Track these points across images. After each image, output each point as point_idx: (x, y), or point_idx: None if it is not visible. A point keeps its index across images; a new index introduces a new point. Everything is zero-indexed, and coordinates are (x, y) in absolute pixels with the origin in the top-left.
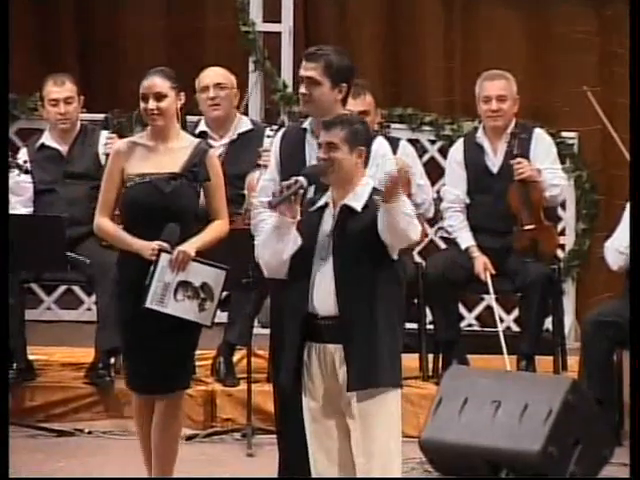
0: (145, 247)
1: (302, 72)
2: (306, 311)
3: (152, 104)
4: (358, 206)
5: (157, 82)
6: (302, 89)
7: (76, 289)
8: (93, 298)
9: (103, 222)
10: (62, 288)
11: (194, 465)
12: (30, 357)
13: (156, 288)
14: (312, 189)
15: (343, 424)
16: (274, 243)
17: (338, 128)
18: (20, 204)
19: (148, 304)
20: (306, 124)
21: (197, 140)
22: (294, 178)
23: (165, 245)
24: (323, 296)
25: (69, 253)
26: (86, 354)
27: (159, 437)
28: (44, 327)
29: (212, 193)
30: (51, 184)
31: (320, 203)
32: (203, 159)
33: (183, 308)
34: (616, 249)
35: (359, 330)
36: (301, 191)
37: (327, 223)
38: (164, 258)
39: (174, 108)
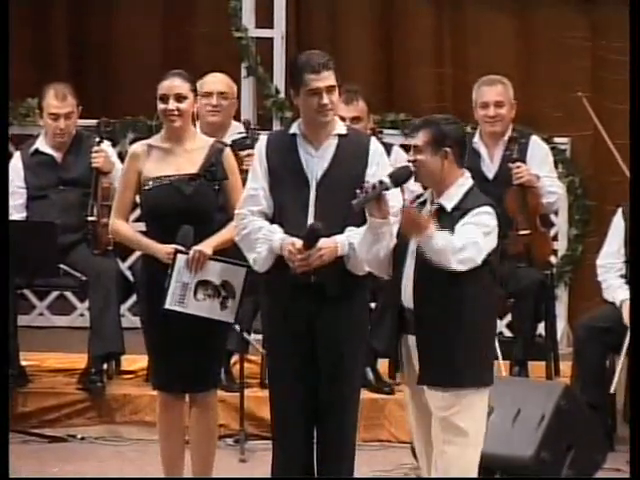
0: (161, 250)
1: (322, 83)
2: (399, 305)
3: (172, 105)
4: (449, 206)
5: (177, 83)
6: (325, 100)
7: (69, 295)
8: (86, 304)
9: (119, 224)
10: (54, 294)
11: (187, 470)
12: (22, 363)
13: (175, 289)
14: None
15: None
16: (370, 244)
17: (422, 131)
18: (13, 209)
19: (168, 305)
20: (294, 129)
21: (212, 140)
22: (379, 179)
23: (180, 247)
24: (408, 288)
25: (63, 266)
26: (79, 360)
27: (199, 440)
28: (36, 333)
29: (230, 192)
30: (45, 190)
31: (420, 200)
32: (220, 158)
33: (204, 307)
34: (604, 281)
35: (431, 325)
36: (385, 192)
37: None
38: (181, 259)
39: (192, 110)
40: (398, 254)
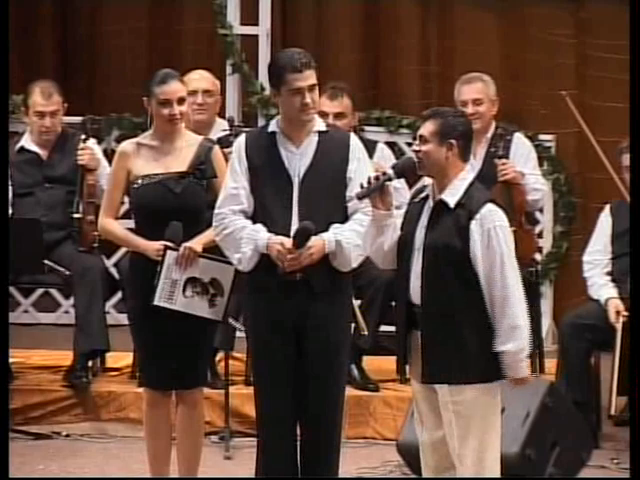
0: (150, 248)
1: (305, 82)
2: (407, 300)
3: (177, 109)
4: (452, 202)
5: (179, 87)
6: (307, 99)
7: (54, 292)
8: (71, 301)
9: (108, 223)
10: (40, 291)
11: (172, 468)
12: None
13: (164, 285)
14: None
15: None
16: (374, 236)
17: (430, 121)
18: None
19: (156, 302)
20: (273, 127)
21: (201, 137)
22: (382, 170)
23: (170, 243)
24: (415, 285)
25: (47, 261)
26: (64, 357)
27: (185, 437)
28: (21, 330)
29: (219, 189)
30: (30, 188)
31: (423, 194)
32: (209, 156)
33: (192, 304)
34: (589, 278)
35: (437, 322)
36: (388, 183)
37: (425, 215)
38: (170, 255)
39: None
40: (404, 249)
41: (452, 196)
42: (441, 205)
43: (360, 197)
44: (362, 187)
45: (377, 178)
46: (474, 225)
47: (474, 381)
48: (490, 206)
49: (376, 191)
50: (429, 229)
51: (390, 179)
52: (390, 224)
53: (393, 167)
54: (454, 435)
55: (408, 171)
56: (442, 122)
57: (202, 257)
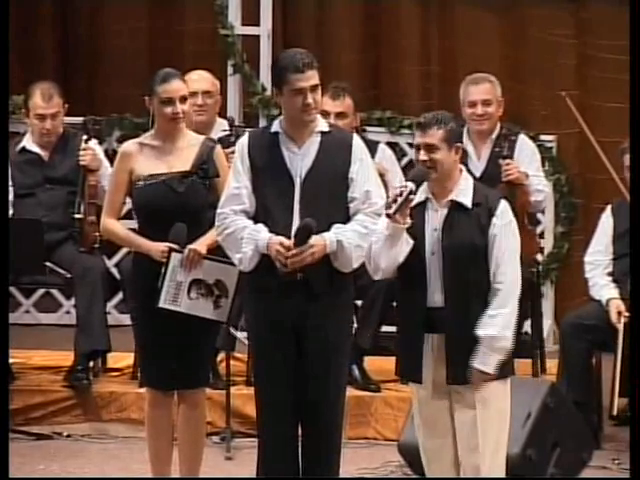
0: (155, 249)
1: (307, 82)
2: (426, 305)
3: (179, 108)
4: (468, 202)
5: (181, 86)
6: (309, 99)
7: (55, 292)
8: (72, 301)
9: (110, 223)
10: (41, 291)
11: (173, 468)
12: (9, 360)
13: (169, 288)
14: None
15: (449, 408)
16: (389, 250)
17: (434, 128)
18: None
19: (161, 304)
20: (276, 127)
21: (203, 137)
22: (403, 184)
23: (175, 245)
24: (433, 288)
25: (49, 263)
26: (65, 357)
27: (187, 438)
28: (22, 330)
29: (222, 189)
30: (31, 188)
31: (420, 199)
32: (211, 156)
33: (197, 306)
34: (591, 278)
35: (461, 323)
36: (412, 196)
37: (432, 218)
38: (175, 257)
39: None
40: (416, 255)
41: (465, 196)
42: (455, 206)
43: (391, 215)
44: (389, 206)
45: (401, 194)
46: (496, 220)
47: (499, 376)
48: (505, 202)
49: (404, 205)
50: (445, 231)
51: (412, 192)
52: (404, 236)
53: (413, 180)
54: (477, 432)
55: (423, 180)
56: (449, 128)
57: (206, 259)
